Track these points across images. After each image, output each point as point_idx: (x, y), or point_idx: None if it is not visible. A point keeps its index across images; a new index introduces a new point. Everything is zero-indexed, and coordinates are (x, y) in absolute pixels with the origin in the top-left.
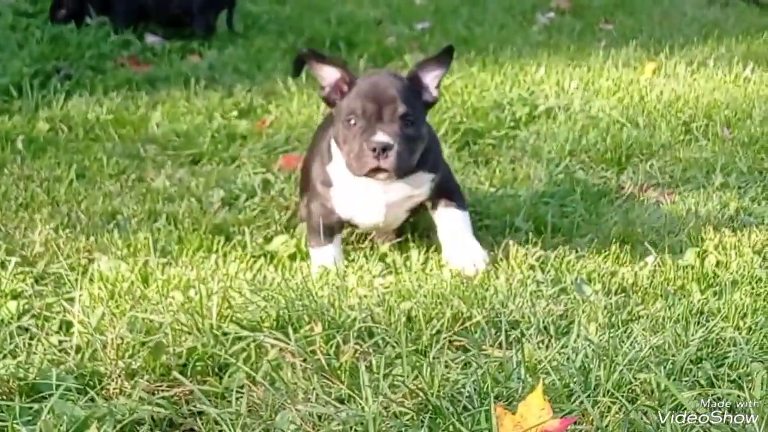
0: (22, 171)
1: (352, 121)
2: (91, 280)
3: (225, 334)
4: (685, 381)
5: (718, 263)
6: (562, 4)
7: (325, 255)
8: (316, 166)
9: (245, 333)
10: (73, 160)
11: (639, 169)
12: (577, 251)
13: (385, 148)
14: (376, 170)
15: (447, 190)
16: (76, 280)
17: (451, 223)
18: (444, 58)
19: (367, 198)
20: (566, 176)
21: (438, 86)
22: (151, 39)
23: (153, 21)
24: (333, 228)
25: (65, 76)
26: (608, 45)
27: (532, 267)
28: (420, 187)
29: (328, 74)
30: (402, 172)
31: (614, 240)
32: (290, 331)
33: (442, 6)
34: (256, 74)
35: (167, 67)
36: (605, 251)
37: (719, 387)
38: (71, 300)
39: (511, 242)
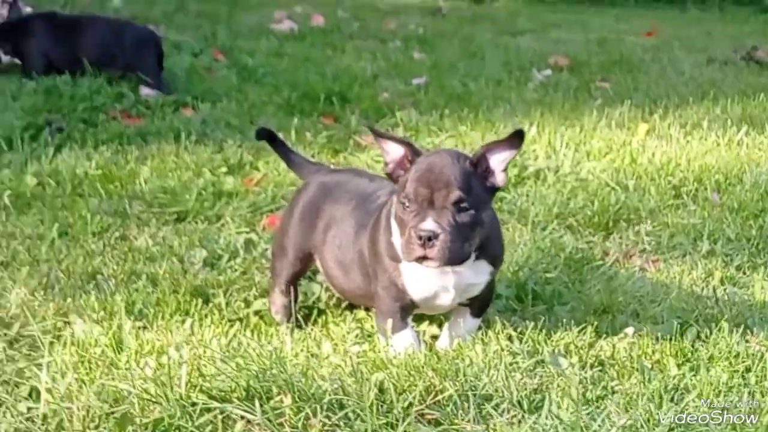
0: (5, 228)
1: (406, 204)
2: (64, 344)
3: (193, 404)
4: None
5: (698, 336)
6: (560, 61)
7: (406, 341)
8: (379, 239)
9: (214, 404)
10: (57, 217)
11: (625, 235)
12: (556, 321)
13: (431, 237)
14: (424, 258)
15: (487, 294)
16: (50, 344)
17: (465, 331)
18: (514, 140)
19: (436, 278)
20: (551, 241)
21: (505, 170)
22: (145, 92)
23: (64, 68)
24: (407, 309)
25: (57, 129)
26: (603, 104)
27: (509, 337)
28: (480, 276)
29: (393, 150)
30: (451, 261)
31: (595, 310)
32: (257, 403)
33: (441, 61)
34: (248, 129)
35: (159, 121)
36: (585, 321)
37: None
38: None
39: (490, 310)
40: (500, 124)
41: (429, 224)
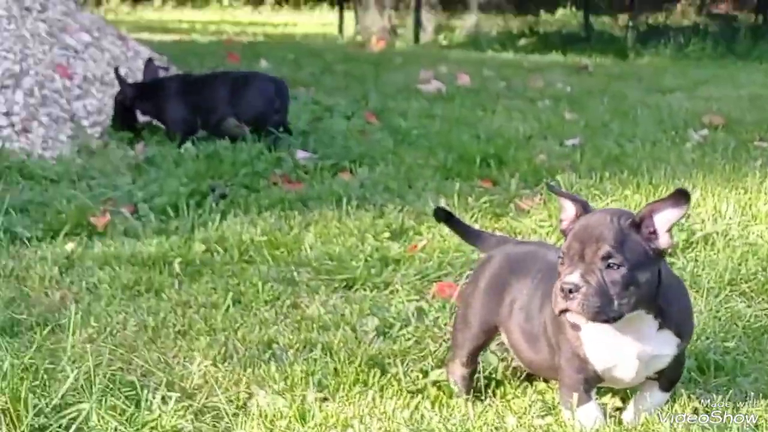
0: (179, 296)
1: (561, 259)
2: (250, 416)
3: None
4: None
5: None
6: (714, 120)
7: (591, 415)
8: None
9: None
10: (228, 284)
11: None
12: (741, 393)
13: (572, 290)
14: (566, 311)
15: (675, 368)
16: (235, 415)
17: (651, 405)
18: (679, 199)
19: (618, 348)
20: (727, 309)
21: (670, 231)
22: (301, 155)
23: (203, 127)
24: (590, 382)
25: (220, 195)
26: (764, 164)
27: (695, 410)
28: (665, 347)
29: (568, 208)
30: (594, 317)
31: None
32: None
33: (593, 121)
34: (407, 193)
35: (319, 185)
36: None
37: None
38: None
39: None
40: (663, 187)
41: (572, 277)
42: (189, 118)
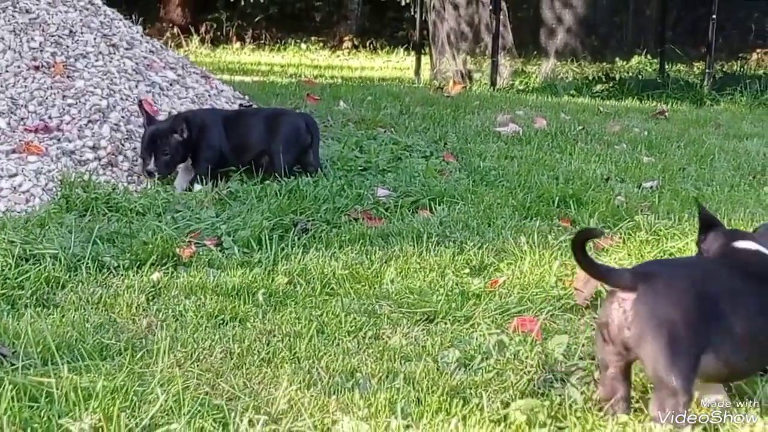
0: (264, 325)
1: None
2: None
3: None
4: None
5: None
6: None
7: None
8: None
9: None
10: (311, 315)
11: None
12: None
13: None
14: None
15: None
16: None
17: None
18: None
19: None
20: None
21: None
22: (381, 192)
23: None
24: None
25: (302, 229)
26: None
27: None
28: None
29: None
30: None
31: None
32: None
33: (670, 165)
34: (487, 231)
35: (399, 222)
36: None
37: None
38: None
39: None
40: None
41: None
42: (222, 152)
